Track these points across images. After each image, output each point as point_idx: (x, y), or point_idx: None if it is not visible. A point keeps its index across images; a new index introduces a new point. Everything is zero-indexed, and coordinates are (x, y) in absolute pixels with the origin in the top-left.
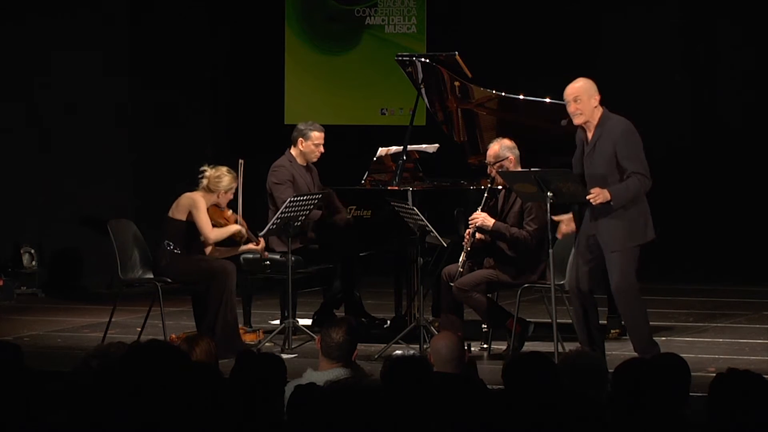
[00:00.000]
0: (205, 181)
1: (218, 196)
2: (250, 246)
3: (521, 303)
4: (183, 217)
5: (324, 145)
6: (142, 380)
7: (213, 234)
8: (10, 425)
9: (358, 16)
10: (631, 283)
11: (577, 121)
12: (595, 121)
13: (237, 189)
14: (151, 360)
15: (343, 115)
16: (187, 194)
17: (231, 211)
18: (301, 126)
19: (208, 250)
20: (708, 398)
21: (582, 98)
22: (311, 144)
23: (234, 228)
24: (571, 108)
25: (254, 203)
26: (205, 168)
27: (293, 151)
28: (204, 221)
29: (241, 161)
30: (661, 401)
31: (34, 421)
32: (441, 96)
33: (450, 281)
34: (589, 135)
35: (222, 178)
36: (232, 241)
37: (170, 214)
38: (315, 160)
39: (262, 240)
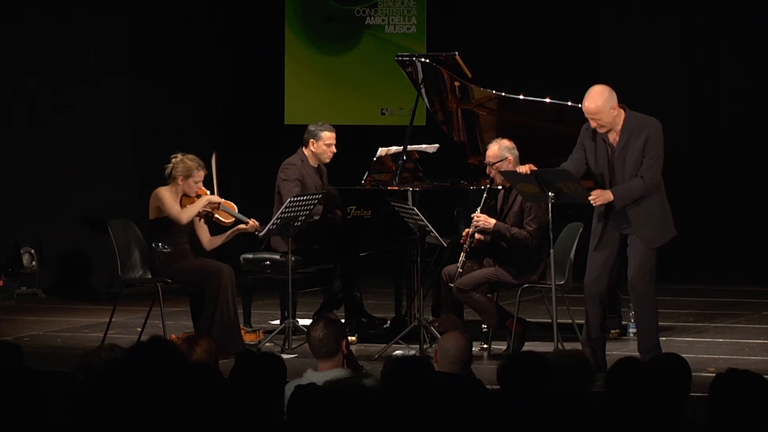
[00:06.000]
0: (169, 167)
1: (184, 186)
2: (241, 227)
3: (521, 303)
4: (153, 215)
5: (336, 145)
6: (143, 377)
7: (183, 214)
8: (10, 425)
9: (358, 16)
10: (650, 281)
11: (601, 131)
12: (619, 126)
13: (212, 183)
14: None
15: (343, 115)
16: (153, 192)
17: (207, 193)
18: (311, 127)
19: (205, 241)
20: (708, 398)
21: (601, 115)
22: (323, 144)
23: (203, 199)
24: (592, 123)
25: (257, 202)
26: (174, 155)
27: (305, 151)
28: (170, 207)
29: (214, 154)
30: (655, 401)
31: (34, 421)
32: (441, 96)
33: (450, 281)
34: (613, 137)
35: (178, 164)
36: (219, 226)
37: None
38: (328, 161)
39: (253, 220)
